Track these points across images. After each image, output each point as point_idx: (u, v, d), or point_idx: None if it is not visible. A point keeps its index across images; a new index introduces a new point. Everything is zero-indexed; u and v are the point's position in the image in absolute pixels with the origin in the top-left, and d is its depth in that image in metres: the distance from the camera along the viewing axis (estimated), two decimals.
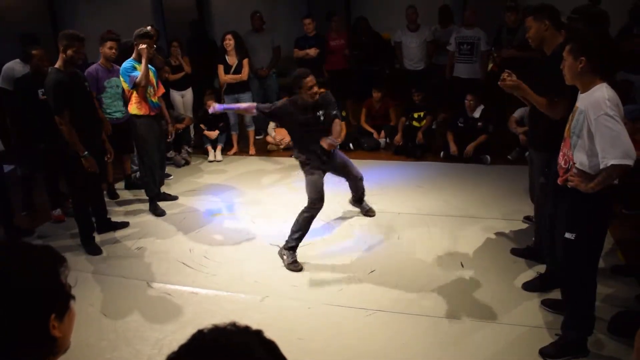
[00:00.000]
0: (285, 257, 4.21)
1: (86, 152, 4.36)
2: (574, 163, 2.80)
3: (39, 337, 1.11)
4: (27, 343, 1.10)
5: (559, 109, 3.31)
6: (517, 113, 6.10)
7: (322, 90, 4.33)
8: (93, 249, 4.59)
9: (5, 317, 1.06)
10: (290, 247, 4.21)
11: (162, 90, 5.45)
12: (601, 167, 2.61)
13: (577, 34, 3.07)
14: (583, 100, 2.74)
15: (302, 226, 4.22)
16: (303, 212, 4.24)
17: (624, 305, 3.39)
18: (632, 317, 3.15)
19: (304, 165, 4.36)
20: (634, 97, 5.56)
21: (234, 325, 0.96)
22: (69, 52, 4.26)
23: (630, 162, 2.55)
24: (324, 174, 4.39)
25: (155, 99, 5.19)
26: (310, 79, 4.21)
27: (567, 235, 2.84)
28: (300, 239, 4.23)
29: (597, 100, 2.62)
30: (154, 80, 5.20)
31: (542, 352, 3.02)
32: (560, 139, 2.99)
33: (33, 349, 1.11)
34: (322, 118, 4.30)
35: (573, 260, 2.89)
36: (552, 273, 3.57)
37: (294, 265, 4.14)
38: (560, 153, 2.96)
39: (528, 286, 3.68)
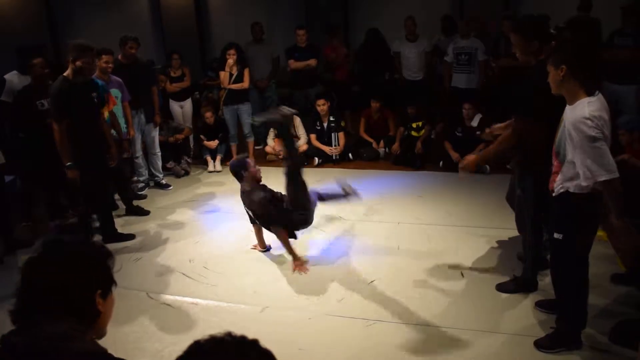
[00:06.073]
0: None
1: (70, 164, 4.36)
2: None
3: (87, 305, 1.47)
4: (78, 307, 1.45)
5: (515, 134, 3.36)
6: None
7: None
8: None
9: (68, 280, 1.43)
10: None
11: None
12: (585, 184, 2.73)
13: (561, 44, 3.09)
14: (568, 114, 2.80)
15: None
16: None
17: (625, 314, 3.37)
18: (634, 325, 3.15)
19: None
20: (621, 109, 5.58)
21: (230, 335, 0.97)
22: (78, 62, 4.27)
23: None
24: None
25: None
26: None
27: (556, 235, 2.97)
28: None
29: (578, 118, 2.66)
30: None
31: (537, 343, 3.13)
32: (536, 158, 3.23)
33: (81, 313, 1.46)
34: None
35: (562, 259, 3.03)
36: (526, 280, 3.70)
37: None
38: (553, 157, 3.03)
39: (501, 287, 3.78)
